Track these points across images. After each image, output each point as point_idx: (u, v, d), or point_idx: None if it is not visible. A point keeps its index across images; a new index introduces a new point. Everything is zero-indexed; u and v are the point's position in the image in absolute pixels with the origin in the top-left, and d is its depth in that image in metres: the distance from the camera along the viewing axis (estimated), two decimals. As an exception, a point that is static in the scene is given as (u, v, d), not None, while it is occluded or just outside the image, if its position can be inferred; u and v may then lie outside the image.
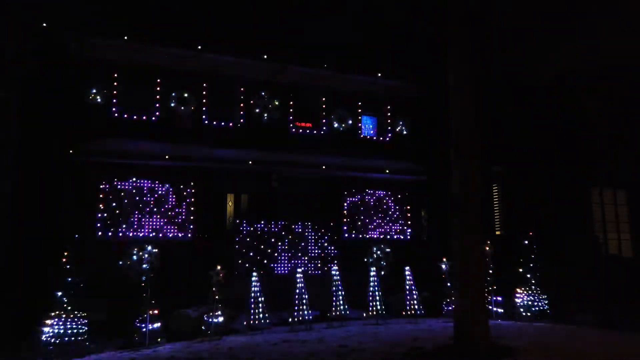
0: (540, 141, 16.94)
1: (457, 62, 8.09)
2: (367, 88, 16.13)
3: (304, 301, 11.00)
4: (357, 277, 12.73)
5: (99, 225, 12.49)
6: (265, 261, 12.94)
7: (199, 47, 13.88)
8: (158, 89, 13.87)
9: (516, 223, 15.41)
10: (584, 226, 16.66)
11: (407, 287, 11.81)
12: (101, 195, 12.64)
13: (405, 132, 16.41)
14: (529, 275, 12.16)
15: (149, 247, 9.98)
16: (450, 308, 11.57)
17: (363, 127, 16.36)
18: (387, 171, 14.99)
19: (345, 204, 15.09)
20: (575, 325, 10.86)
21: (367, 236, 15.09)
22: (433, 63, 14.18)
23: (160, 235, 12.90)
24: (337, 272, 12.09)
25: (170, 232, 13.10)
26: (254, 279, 11.05)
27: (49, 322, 9.30)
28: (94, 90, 13.18)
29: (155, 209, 13.03)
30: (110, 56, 13.43)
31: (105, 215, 12.60)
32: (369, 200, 15.38)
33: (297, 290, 11.08)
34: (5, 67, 13.09)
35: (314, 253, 13.47)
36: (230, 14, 15.71)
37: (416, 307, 11.62)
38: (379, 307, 11.43)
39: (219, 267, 10.23)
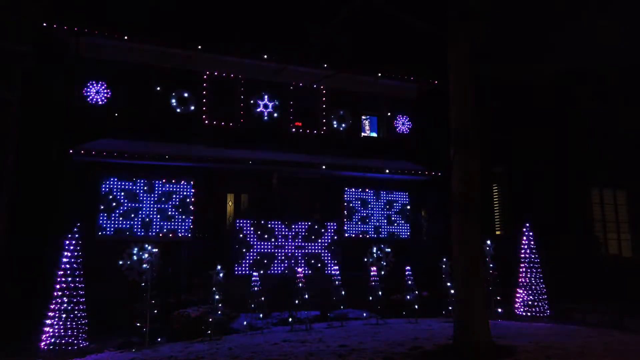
0: (540, 141, 16.95)
1: (457, 62, 8.08)
2: (367, 88, 16.12)
3: (304, 301, 10.99)
4: (357, 277, 12.74)
5: (98, 225, 12.49)
6: (265, 261, 12.93)
7: (199, 47, 13.88)
8: (158, 88, 13.87)
9: (516, 223, 15.41)
10: (584, 226, 16.68)
11: (407, 286, 11.79)
12: (101, 195, 12.65)
13: (405, 132, 16.42)
14: (528, 275, 12.17)
15: (149, 247, 9.97)
16: (450, 308, 11.57)
17: (363, 126, 16.38)
18: (387, 171, 14.98)
19: (345, 204, 15.08)
20: (575, 325, 10.86)
21: (367, 236, 15.08)
22: (433, 63, 14.19)
23: (161, 234, 12.90)
24: (337, 272, 12.09)
25: (170, 232, 13.10)
26: (253, 278, 11.04)
27: (48, 322, 9.29)
28: (94, 90, 13.20)
29: (155, 209, 13.02)
30: (109, 56, 13.44)
31: (105, 215, 12.60)
32: (369, 200, 15.36)
33: (297, 290, 11.06)
34: (5, 67, 13.08)
35: (314, 253, 13.47)
36: (230, 14, 15.72)
37: (416, 307, 11.60)
38: (379, 307, 11.42)
39: (219, 267, 10.22)
